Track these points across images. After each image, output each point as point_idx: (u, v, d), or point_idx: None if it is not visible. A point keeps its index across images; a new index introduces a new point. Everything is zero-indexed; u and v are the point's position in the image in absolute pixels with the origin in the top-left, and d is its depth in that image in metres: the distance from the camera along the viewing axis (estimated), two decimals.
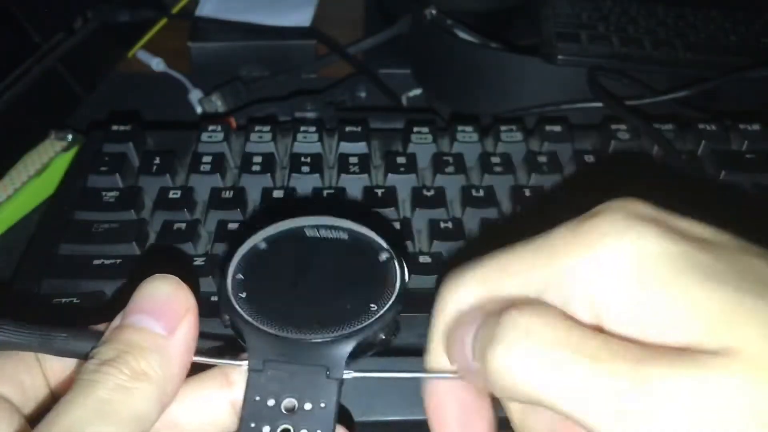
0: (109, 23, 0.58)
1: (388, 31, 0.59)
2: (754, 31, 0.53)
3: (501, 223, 0.39)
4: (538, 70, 0.51)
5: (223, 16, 0.62)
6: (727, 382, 0.16)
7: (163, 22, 0.64)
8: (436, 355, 0.23)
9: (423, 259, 0.36)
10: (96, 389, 0.19)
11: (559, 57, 0.50)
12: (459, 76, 0.54)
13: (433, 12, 0.55)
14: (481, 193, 0.40)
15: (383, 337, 0.24)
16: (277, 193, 0.40)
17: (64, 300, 0.34)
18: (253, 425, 0.22)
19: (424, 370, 0.24)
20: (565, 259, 0.20)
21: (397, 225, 0.38)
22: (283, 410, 0.22)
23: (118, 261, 0.36)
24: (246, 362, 0.23)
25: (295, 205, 0.39)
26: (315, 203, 0.39)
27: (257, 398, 0.22)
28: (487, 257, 0.22)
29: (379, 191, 0.41)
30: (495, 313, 0.20)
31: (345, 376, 0.23)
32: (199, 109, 0.55)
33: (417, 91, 0.56)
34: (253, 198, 0.40)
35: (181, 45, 0.60)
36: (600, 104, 0.48)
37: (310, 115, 0.52)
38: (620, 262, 0.19)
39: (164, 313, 0.21)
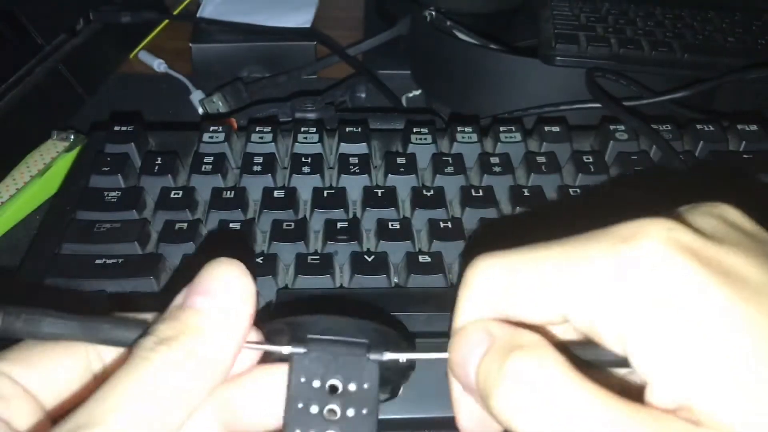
0: (111, 25, 0.58)
1: (388, 32, 0.59)
2: (752, 32, 0.54)
3: (500, 223, 0.39)
4: (536, 71, 0.51)
5: (225, 17, 0.63)
6: None
7: (164, 23, 0.64)
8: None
9: (423, 258, 0.37)
10: (149, 367, 0.19)
11: (558, 58, 0.50)
12: (458, 77, 0.54)
13: (433, 13, 0.56)
14: (481, 193, 0.41)
15: (405, 363, 0.24)
16: (278, 194, 0.40)
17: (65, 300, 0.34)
18: (300, 406, 0.22)
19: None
20: (597, 282, 0.19)
21: (397, 225, 0.39)
22: (329, 391, 0.22)
23: (120, 261, 0.36)
24: (290, 346, 0.23)
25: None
26: None
27: (303, 380, 0.22)
28: (517, 253, 0.21)
29: (379, 191, 0.41)
30: (502, 349, 0.20)
31: (385, 357, 0.23)
32: (200, 110, 0.55)
33: (417, 92, 0.57)
34: (254, 198, 0.41)
35: (182, 46, 0.60)
36: (598, 105, 0.49)
37: (311, 115, 0.52)
38: (653, 299, 0.18)
39: (225, 298, 0.21)
